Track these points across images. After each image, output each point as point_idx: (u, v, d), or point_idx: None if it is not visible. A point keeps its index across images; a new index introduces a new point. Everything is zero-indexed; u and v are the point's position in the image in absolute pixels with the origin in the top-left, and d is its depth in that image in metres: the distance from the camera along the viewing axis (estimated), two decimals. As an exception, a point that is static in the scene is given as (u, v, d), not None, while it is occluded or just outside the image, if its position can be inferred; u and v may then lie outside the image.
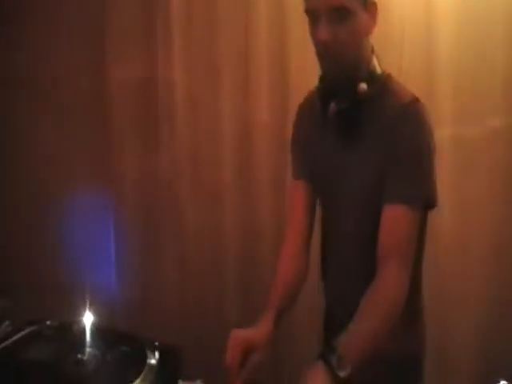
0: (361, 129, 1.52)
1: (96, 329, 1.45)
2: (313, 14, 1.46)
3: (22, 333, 1.46)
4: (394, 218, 1.45)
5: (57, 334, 1.47)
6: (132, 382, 1.26)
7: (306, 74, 2.01)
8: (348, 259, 1.63)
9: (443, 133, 2.26)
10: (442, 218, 2.26)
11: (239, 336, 1.43)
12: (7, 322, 1.54)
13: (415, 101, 1.49)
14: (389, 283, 1.41)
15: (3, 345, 1.40)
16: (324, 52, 1.48)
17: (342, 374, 1.21)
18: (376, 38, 1.55)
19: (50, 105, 2.67)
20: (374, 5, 1.49)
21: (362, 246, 1.56)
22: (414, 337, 1.63)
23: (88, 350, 1.39)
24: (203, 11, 2.51)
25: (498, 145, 2.30)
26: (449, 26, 2.28)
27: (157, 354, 1.38)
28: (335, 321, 1.64)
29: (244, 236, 2.57)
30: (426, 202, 1.47)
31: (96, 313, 1.50)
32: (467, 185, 2.32)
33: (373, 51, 1.55)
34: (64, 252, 2.60)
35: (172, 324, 2.55)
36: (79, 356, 1.36)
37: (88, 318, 1.47)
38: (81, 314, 1.49)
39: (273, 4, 2.43)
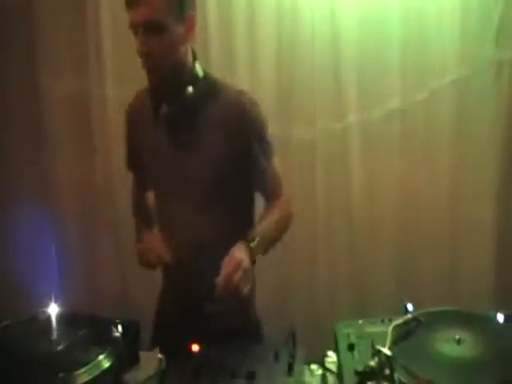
0: (192, 127, 1.71)
1: (62, 315, 1.61)
2: (133, 28, 1.61)
3: None
4: (271, 173, 1.81)
5: (26, 325, 1.61)
6: (100, 354, 1.44)
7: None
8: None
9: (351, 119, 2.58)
10: (355, 188, 2.61)
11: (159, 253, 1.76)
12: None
13: (241, 90, 1.75)
14: (283, 201, 1.82)
15: None
16: (144, 62, 1.65)
17: (252, 244, 1.62)
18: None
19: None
20: (191, 17, 1.65)
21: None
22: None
23: (58, 332, 1.55)
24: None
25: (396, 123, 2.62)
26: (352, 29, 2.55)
27: (119, 329, 1.55)
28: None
29: None
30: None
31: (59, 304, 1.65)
32: (374, 160, 2.64)
33: (195, 57, 1.73)
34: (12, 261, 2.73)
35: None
36: (51, 338, 1.53)
37: (53, 309, 1.62)
38: (44, 307, 1.63)
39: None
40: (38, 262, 2.70)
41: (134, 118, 1.89)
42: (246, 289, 1.55)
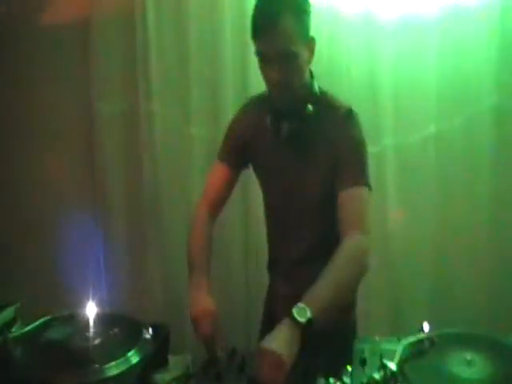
0: (308, 143, 1.82)
1: (98, 315, 1.72)
2: (264, 57, 1.70)
3: (37, 322, 1.73)
4: (351, 198, 1.73)
5: (66, 321, 1.75)
6: (129, 351, 1.56)
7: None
8: (300, 260, 1.93)
9: (387, 143, 2.63)
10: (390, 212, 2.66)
11: (202, 309, 1.70)
12: (19, 322, 1.79)
13: (350, 110, 1.83)
14: (351, 244, 1.65)
15: (24, 330, 1.69)
16: (275, 89, 1.75)
17: (302, 319, 1.43)
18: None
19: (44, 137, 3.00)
20: (313, 40, 1.75)
21: (312, 239, 1.88)
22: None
23: (92, 330, 1.67)
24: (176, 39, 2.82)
25: (430, 149, 2.66)
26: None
27: (150, 331, 1.67)
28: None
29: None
30: (368, 182, 1.78)
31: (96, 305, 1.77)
32: (408, 185, 2.68)
33: (312, 74, 1.84)
34: (60, 263, 2.89)
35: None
36: (86, 334, 1.65)
37: (90, 309, 1.73)
38: (83, 307, 1.75)
39: (236, 32, 2.72)
40: (84, 268, 2.85)
41: (248, 123, 1.96)
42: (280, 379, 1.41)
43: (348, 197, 1.74)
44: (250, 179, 2.27)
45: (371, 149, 2.58)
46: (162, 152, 2.88)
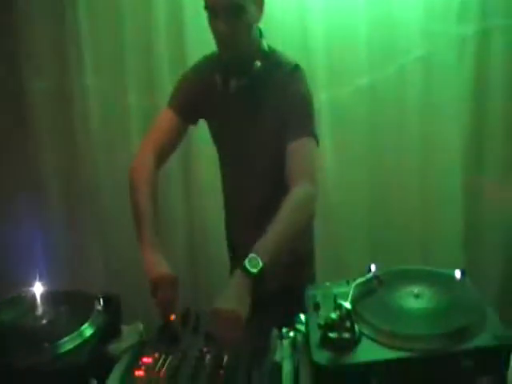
0: (256, 98, 1.85)
1: (45, 293, 1.70)
2: (212, 10, 1.72)
3: None
4: (296, 149, 1.77)
5: (13, 303, 1.69)
6: (82, 324, 1.53)
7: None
8: (252, 211, 1.96)
9: (320, 97, 2.66)
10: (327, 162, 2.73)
11: (163, 273, 1.67)
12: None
13: (297, 66, 1.86)
14: (300, 191, 1.69)
15: None
16: (223, 42, 1.77)
17: (253, 270, 1.48)
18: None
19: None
20: None
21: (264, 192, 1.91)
22: (307, 239, 2.07)
23: (42, 308, 1.64)
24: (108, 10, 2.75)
25: (364, 100, 2.71)
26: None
27: (101, 303, 1.64)
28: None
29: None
30: (315, 134, 1.82)
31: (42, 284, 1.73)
32: (343, 137, 2.74)
33: (260, 33, 1.86)
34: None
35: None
36: (36, 314, 1.62)
37: (37, 288, 1.70)
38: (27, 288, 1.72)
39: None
40: (23, 248, 2.76)
41: (200, 80, 1.95)
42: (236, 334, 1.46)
43: (295, 147, 1.77)
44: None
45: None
46: (99, 124, 2.83)
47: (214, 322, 1.46)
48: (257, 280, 1.48)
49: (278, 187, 1.75)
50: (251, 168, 1.95)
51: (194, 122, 2.03)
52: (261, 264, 1.50)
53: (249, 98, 1.86)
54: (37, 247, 2.76)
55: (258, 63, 1.82)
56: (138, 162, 1.92)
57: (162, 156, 1.96)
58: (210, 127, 2.03)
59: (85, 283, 2.64)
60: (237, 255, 2.08)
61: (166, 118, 1.97)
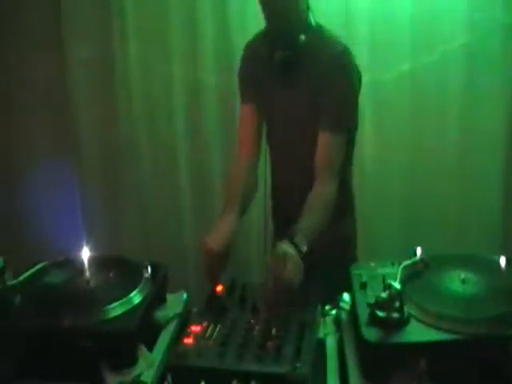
0: (301, 72, 1.86)
1: (94, 258, 1.73)
2: None
3: (33, 269, 1.69)
4: (325, 143, 1.85)
5: (63, 266, 1.74)
6: (131, 291, 1.57)
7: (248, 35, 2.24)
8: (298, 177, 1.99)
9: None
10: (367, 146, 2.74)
11: (209, 246, 1.69)
12: (8, 273, 1.76)
13: (346, 49, 1.86)
14: (323, 192, 1.83)
15: (21, 278, 1.65)
16: (271, 12, 1.79)
17: (304, 248, 1.59)
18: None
19: (14, 83, 2.93)
20: None
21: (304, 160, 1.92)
22: (349, 222, 2.11)
23: (91, 273, 1.67)
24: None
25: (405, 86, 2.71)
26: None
27: (149, 271, 1.68)
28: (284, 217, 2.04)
29: (197, 175, 2.93)
30: (348, 128, 1.89)
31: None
32: (383, 122, 2.75)
33: (309, 7, 1.87)
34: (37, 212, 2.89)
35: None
36: (85, 278, 1.66)
37: (86, 253, 1.73)
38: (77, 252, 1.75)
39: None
40: (62, 214, 2.85)
41: (252, 58, 2.00)
42: (296, 279, 1.56)
43: (324, 141, 1.85)
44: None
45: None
46: (140, 94, 2.85)
47: (275, 265, 1.54)
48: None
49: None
50: (290, 141, 1.98)
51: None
52: (306, 247, 1.61)
53: (292, 72, 1.88)
54: (77, 213, 2.82)
55: (303, 37, 1.83)
56: (230, 177, 2.01)
57: (255, 151, 2.03)
58: (258, 102, 2.03)
59: (125, 251, 2.69)
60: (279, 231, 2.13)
61: (242, 115, 2.04)
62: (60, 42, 2.81)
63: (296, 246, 1.59)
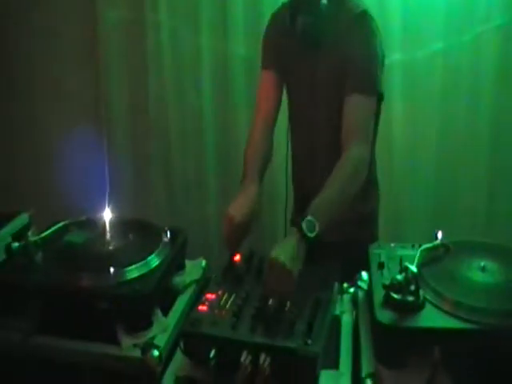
0: (322, 37, 1.83)
1: (115, 220, 1.74)
2: None
3: (54, 227, 1.73)
4: (354, 105, 1.77)
5: (84, 226, 1.76)
6: (149, 254, 1.58)
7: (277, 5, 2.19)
8: (319, 147, 1.96)
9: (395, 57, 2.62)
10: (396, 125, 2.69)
11: (231, 215, 1.66)
12: (33, 229, 1.81)
13: (365, 11, 1.81)
14: (354, 156, 1.71)
15: (43, 235, 1.68)
16: None
17: (311, 234, 1.51)
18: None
19: (45, 44, 2.94)
20: None
21: (328, 132, 1.88)
22: (371, 199, 2.04)
23: (111, 234, 1.70)
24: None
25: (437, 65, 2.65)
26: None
27: (168, 235, 1.69)
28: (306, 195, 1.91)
29: (222, 144, 2.95)
30: (377, 92, 1.81)
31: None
32: (414, 100, 2.70)
33: None
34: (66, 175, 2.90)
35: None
36: (105, 238, 1.68)
37: (107, 214, 1.75)
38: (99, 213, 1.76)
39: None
40: (91, 177, 2.87)
41: (275, 25, 1.98)
42: (289, 292, 1.48)
43: (354, 103, 1.77)
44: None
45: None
46: (170, 63, 2.84)
47: (268, 270, 1.49)
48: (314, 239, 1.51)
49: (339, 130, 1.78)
50: (316, 109, 1.93)
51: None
52: (317, 229, 1.52)
53: (314, 37, 1.84)
54: (104, 177, 2.84)
55: (325, 1, 1.79)
56: (248, 144, 1.93)
57: (273, 117, 1.98)
58: (279, 69, 1.99)
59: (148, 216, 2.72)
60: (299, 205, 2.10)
61: (263, 80, 1.99)
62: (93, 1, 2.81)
63: (302, 231, 1.51)
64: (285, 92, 2.02)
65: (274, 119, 1.99)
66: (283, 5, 1.97)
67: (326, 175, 1.66)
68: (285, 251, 1.48)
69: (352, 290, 1.68)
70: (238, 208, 1.68)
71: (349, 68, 1.79)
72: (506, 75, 2.64)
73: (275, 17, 2.01)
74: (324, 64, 1.85)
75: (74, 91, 2.98)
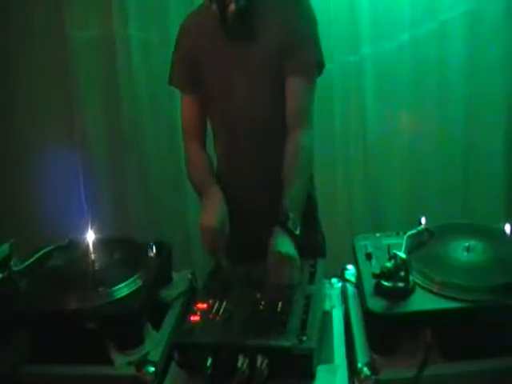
0: (256, 24, 1.75)
1: (98, 240, 1.71)
2: None
3: (37, 254, 1.69)
4: (298, 88, 1.75)
5: (67, 249, 1.74)
6: (136, 272, 1.56)
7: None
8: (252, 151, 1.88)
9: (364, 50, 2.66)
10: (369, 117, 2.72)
11: (206, 224, 1.66)
12: (15, 258, 1.73)
13: None
14: (304, 144, 1.74)
15: (27, 262, 1.65)
16: None
17: (297, 232, 1.56)
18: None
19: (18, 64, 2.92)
20: None
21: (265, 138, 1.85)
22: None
23: (95, 254, 1.66)
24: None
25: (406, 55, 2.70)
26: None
27: (153, 250, 1.68)
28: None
29: None
30: (318, 66, 1.79)
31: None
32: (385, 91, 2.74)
33: None
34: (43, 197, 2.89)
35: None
36: (90, 259, 1.65)
37: (89, 235, 1.71)
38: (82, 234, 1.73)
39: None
40: (69, 197, 2.87)
41: (190, 34, 1.88)
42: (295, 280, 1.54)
43: (294, 87, 1.75)
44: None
45: (350, 58, 2.66)
46: (143, 76, 2.85)
47: (273, 265, 1.51)
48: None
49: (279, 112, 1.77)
50: (252, 95, 1.82)
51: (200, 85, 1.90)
52: (298, 225, 1.58)
53: (247, 24, 1.75)
54: (82, 197, 2.82)
55: None
56: (190, 162, 1.94)
57: (203, 138, 1.96)
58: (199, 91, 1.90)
59: (128, 230, 2.72)
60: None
61: (184, 107, 1.93)
62: (61, 22, 2.81)
63: (291, 234, 1.55)
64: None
65: (205, 138, 1.96)
66: (192, 13, 1.92)
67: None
68: (285, 245, 1.52)
69: (340, 284, 1.68)
70: (210, 216, 1.69)
71: (289, 45, 1.73)
72: (474, 61, 2.69)
73: (187, 26, 1.90)
74: (259, 52, 1.76)
75: (47, 113, 2.96)
